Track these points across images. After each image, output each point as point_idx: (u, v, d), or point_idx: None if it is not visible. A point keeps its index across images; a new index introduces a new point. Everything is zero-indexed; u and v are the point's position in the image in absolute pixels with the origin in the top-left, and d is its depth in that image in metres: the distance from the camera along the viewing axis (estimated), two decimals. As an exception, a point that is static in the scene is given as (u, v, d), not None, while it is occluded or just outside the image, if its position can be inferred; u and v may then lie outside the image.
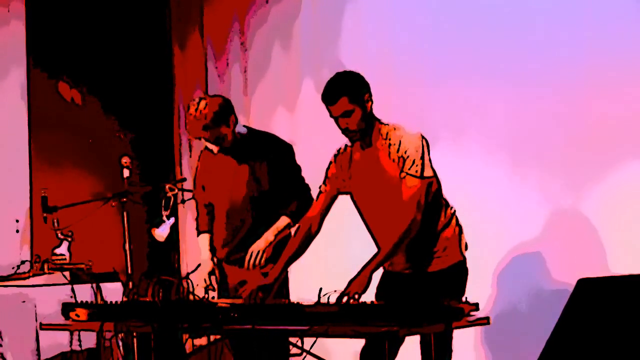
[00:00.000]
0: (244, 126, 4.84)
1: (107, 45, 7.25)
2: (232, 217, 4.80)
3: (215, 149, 4.74)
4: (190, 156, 7.57)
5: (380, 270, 4.09)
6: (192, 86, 7.55)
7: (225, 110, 4.68)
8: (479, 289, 4.09)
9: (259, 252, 4.58)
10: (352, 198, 4.22)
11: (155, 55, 7.61)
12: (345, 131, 4.03)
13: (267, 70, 7.02)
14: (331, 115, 4.02)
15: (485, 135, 5.71)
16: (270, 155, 4.71)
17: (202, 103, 4.65)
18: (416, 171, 3.93)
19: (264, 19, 7.05)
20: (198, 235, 4.98)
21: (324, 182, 4.23)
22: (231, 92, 7.19)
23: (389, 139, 4.01)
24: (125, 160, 5.74)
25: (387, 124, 4.06)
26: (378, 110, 4.08)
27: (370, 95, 4.03)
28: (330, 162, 4.23)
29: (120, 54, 7.33)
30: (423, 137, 4.00)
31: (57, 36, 6.98)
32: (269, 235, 4.62)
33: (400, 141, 3.98)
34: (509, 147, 5.61)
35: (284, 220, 4.65)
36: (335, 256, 4.67)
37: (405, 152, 3.95)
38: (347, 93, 3.97)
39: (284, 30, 6.90)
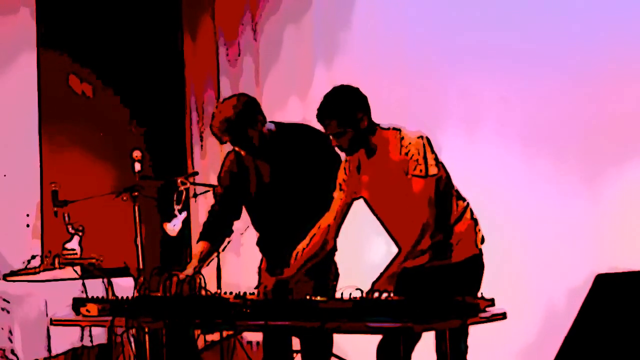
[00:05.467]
0: (272, 122, 4.56)
1: (118, 34, 7.24)
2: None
3: (242, 152, 4.50)
4: (202, 147, 7.55)
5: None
6: (203, 74, 7.53)
7: (247, 112, 4.40)
8: (493, 284, 4.05)
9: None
10: (365, 201, 4.21)
11: (167, 43, 7.60)
12: (338, 147, 4.08)
13: (279, 57, 7.01)
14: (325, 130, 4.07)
15: (500, 127, 5.68)
16: (304, 151, 4.49)
17: (221, 107, 4.42)
18: (420, 171, 3.94)
19: (276, 6, 7.04)
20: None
21: (337, 189, 4.22)
22: (242, 80, 7.19)
23: (390, 143, 4.02)
24: (136, 154, 5.72)
25: (388, 128, 4.07)
26: (389, 99, 4.04)
27: (365, 111, 4.01)
28: (341, 169, 4.23)
29: (132, 42, 7.33)
30: (423, 136, 4.00)
31: (68, 25, 6.97)
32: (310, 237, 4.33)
33: (401, 143, 3.99)
34: (524, 139, 5.59)
35: None
36: (345, 254, 4.62)
37: (407, 154, 3.96)
38: (336, 117, 3.99)
39: (296, 16, 6.89)
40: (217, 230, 4.61)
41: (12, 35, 6.57)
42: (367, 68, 4.16)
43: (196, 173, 6.66)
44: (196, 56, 7.61)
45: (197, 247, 4.57)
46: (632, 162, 5.19)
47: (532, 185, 5.54)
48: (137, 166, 5.72)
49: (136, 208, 5.70)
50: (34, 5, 6.68)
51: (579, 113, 5.38)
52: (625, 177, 5.20)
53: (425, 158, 3.93)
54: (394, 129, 4.05)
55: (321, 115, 4.03)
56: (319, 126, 4.59)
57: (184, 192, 5.84)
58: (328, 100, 4.04)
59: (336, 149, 4.27)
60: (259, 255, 4.79)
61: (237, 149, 4.51)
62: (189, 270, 4.37)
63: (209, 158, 7.49)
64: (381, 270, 3.86)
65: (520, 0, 5.63)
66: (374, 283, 3.79)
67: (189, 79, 7.64)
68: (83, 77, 7.07)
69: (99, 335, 5.59)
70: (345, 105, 4.01)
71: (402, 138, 3.99)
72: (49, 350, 5.53)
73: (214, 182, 6.55)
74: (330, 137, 4.04)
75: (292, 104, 6.79)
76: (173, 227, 5.85)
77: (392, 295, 3.67)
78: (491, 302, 3.65)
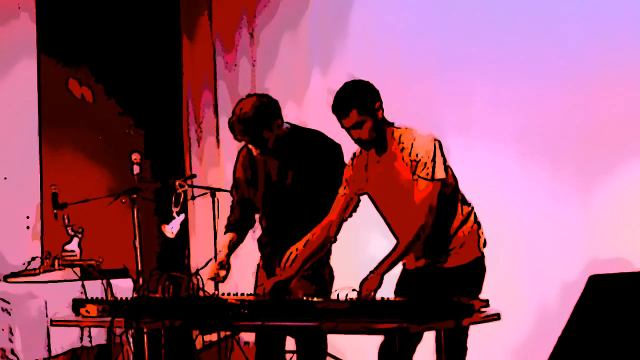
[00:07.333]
0: (287, 123, 4.60)
1: (117, 39, 7.24)
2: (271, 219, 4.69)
3: (255, 150, 4.53)
4: (199, 145, 7.57)
5: (400, 267, 4.10)
6: (201, 79, 7.55)
7: (265, 114, 4.45)
8: (488, 286, 4.09)
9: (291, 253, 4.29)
10: (370, 199, 4.22)
11: (165, 48, 7.60)
12: (357, 141, 4.05)
13: (276, 62, 7.01)
14: (342, 126, 4.03)
15: (494, 131, 5.71)
16: (314, 156, 4.51)
17: (243, 104, 4.44)
18: (427, 174, 3.93)
19: (273, 11, 7.04)
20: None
21: (342, 186, 4.22)
22: (239, 85, 7.20)
23: (402, 143, 4.02)
24: (135, 156, 5.74)
25: (400, 127, 4.07)
26: (386, 105, 4.07)
27: (381, 102, 4.02)
28: (347, 166, 4.23)
29: (130, 47, 7.33)
30: (435, 139, 4.00)
31: (67, 30, 6.98)
32: (309, 237, 4.32)
33: (412, 144, 3.98)
34: (518, 143, 5.61)
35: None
36: (345, 254, 4.65)
37: (417, 155, 3.95)
38: (356, 105, 3.96)
39: (293, 22, 6.90)
40: (242, 221, 4.73)
41: (13, 40, 6.58)
42: (362, 74, 4.17)
43: (194, 175, 6.69)
44: (194, 60, 7.62)
45: (225, 238, 4.69)
46: (624, 165, 5.22)
47: (525, 188, 5.55)
48: (136, 169, 5.73)
49: (135, 210, 5.72)
50: (34, 10, 6.70)
51: (571, 117, 5.40)
52: (617, 180, 5.22)
53: (434, 161, 3.93)
54: (407, 129, 4.04)
55: (341, 105, 3.97)
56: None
57: (182, 195, 5.87)
58: (345, 91, 4.01)
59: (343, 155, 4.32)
60: (257, 257, 4.83)
61: (250, 146, 4.54)
62: (222, 258, 4.57)
63: (207, 161, 7.51)
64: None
65: (512, 7, 5.66)
66: (362, 281, 3.81)
67: (186, 82, 7.66)
68: (82, 81, 7.08)
69: (98, 335, 5.60)
70: (364, 94, 3.99)
71: (414, 139, 3.98)
72: (49, 350, 5.55)
73: (212, 184, 6.62)
74: (350, 130, 3.99)
75: (289, 109, 6.77)
76: (171, 229, 5.87)
77: (374, 293, 3.72)
78: (486, 302, 3.68)
